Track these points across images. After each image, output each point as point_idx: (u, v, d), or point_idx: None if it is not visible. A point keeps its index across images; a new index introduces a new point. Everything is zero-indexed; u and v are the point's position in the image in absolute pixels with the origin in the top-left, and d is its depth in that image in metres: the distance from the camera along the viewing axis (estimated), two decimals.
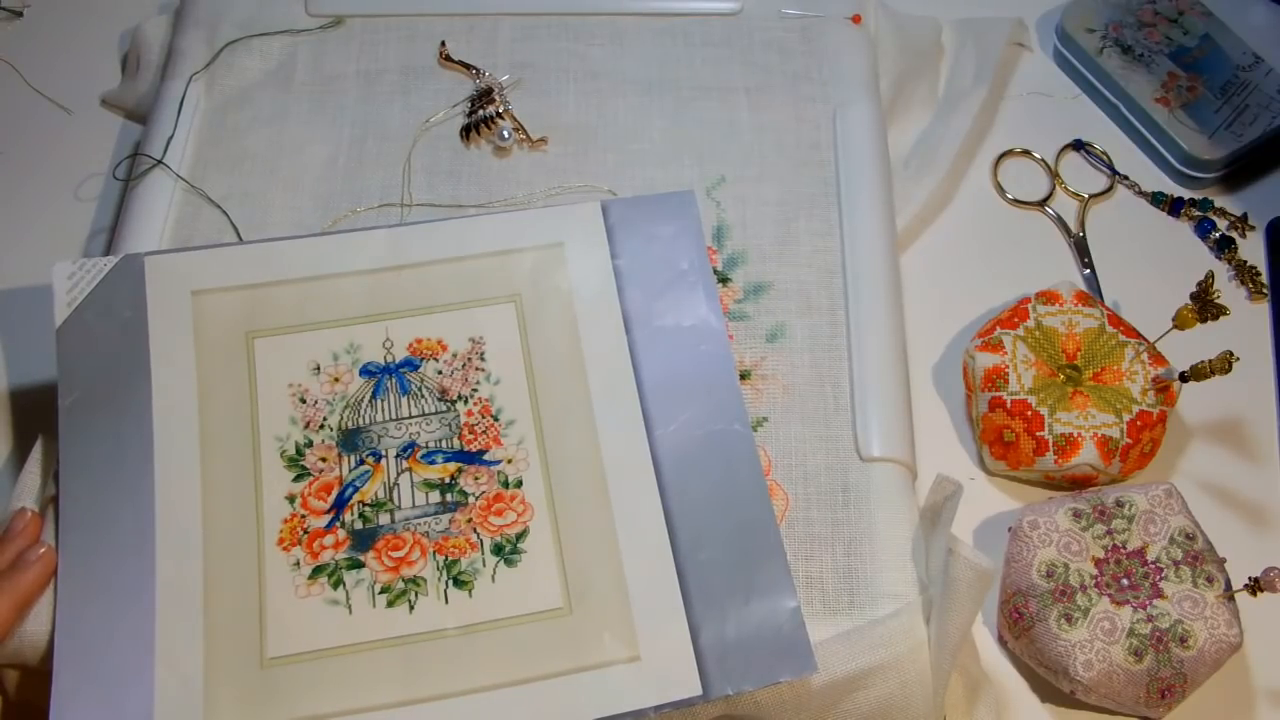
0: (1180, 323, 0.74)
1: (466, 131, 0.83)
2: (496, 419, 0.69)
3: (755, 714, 0.65)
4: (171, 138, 0.82)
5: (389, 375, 0.70)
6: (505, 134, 0.82)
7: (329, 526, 0.66)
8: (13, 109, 0.92)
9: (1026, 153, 0.91)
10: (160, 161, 0.81)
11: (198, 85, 0.85)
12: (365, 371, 0.70)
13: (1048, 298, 0.79)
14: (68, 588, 0.64)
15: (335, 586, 0.65)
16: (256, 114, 0.84)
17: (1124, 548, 0.70)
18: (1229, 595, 0.69)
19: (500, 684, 0.62)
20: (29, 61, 0.94)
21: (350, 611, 0.64)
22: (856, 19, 0.89)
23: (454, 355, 0.71)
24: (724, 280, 0.78)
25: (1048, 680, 0.70)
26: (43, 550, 0.64)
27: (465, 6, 0.89)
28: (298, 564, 0.65)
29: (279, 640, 0.63)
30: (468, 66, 0.86)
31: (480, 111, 0.83)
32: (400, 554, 0.66)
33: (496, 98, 0.84)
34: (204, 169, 0.81)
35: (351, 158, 0.83)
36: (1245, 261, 0.85)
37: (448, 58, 0.87)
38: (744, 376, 0.74)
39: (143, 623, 0.63)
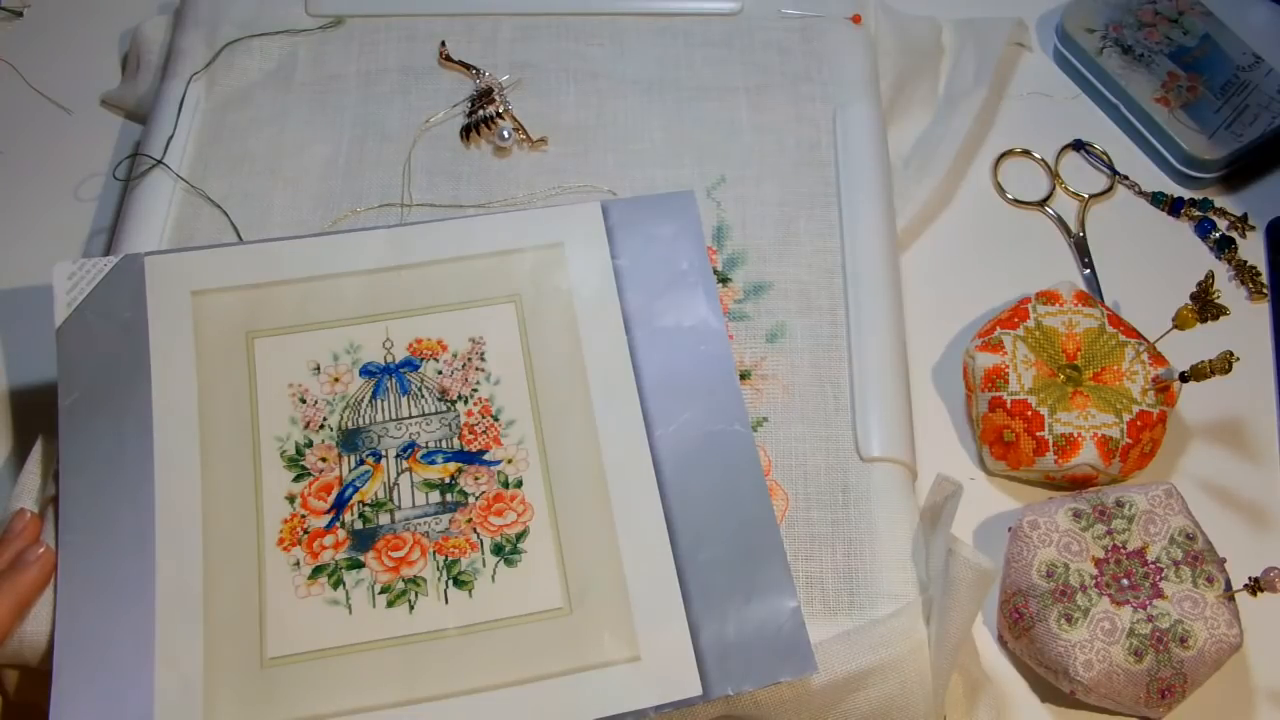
0: (1180, 323, 0.74)
1: (466, 131, 0.83)
2: (496, 419, 0.69)
3: (755, 714, 0.65)
4: (171, 138, 0.82)
5: (389, 375, 0.70)
6: (505, 134, 0.82)
7: (329, 526, 0.66)
8: (13, 109, 0.92)
9: (1026, 153, 0.91)
10: (160, 161, 0.81)
11: (198, 85, 0.85)
12: (365, 371, 0.70)
13: (1048, 298, 0.79)
14: (68, 588, 0.64)
15: (335, 586, 0.65)
16: (256, 114, 0.84)
17: (1124, 548, 0.70)
18: (1229, 595, 0.69)
19: (500, 684, 0.62)
20: (29, 61, 0.94)
21: (350, 611, 0.64)
22: (856, 19, 0.89)
23: (454, 355, 0.71)
24: (724, 280, 0.78)
25: (1048, 680, 0.70)
26: (41, 550, 0.64)
27: (465, 6, 0.89)
28: (298, 564, 0.65)
29: (279, 640, 0.63)
30: (468, 66, 0.86)
31: (480, 111, 0.83)
32: (400, 554, 0.66)
33: (496, 98, 0.84)
34: (204, 169, 0.81)
35: (351, 158, 0.83)
36: (1245, 261, 0.85)
37: (448, 58, 0.87)
38: (744, 376, 0.74)
39: (143, 623, 0.63)
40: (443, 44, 0.87)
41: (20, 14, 0.97)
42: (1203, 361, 0.73)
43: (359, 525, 0.66)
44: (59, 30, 0.96)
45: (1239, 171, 0.89)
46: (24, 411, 0.79)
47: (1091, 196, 0.89)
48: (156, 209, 0.79)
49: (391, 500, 0.67)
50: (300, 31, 0.88)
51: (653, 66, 0.87)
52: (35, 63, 0.94)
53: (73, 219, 0.86)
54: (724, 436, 0.69)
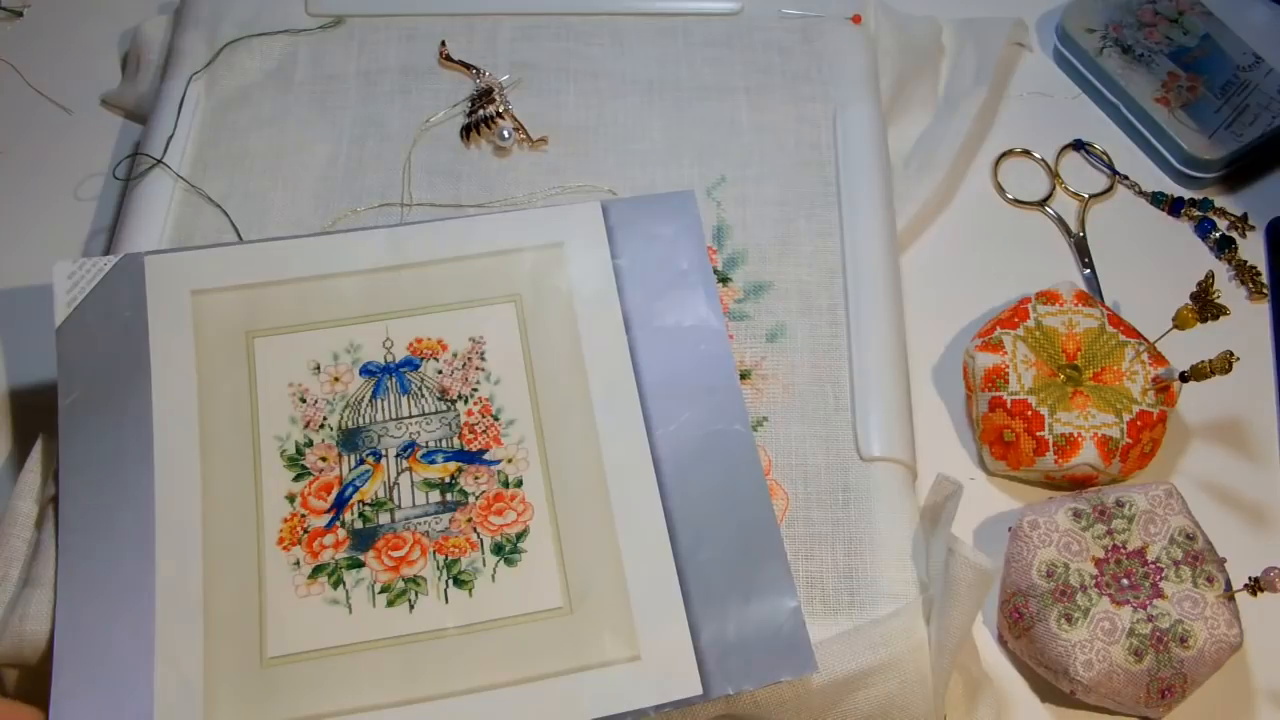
0: (1180, 323, 0.74)
1: (466, 131, 0.83)
2: (496, 418, 0.69)
3: (755, 714, 0.65)
4: (171, 137, 0.82)
5: (389, 375, 0.70)
6: (505, 134, 0.82)
7: (329, 526, 0.66)
8: (13, 109, 0.92)
9: (1026, 153, 0.91)
10: (160, 161, 0.81)
11: (198, 85, 0.85)
12: (365, 371, 0.70)
13: (1048, 298, 0.79)
14: (67, 588, 0.64)
15: (335, 586, 0.65)
16: (256, 114, 0.84)
17: (1124, 548, 0.70)
18: (1229, 595, 0.69)
19: (500, 683, 0.62)
20: (29, 61, 0.94)
21: (350, 611, 0.64)
22: (856, 19, 0.89)
23: (454, 355, 0.71)
24: (724, 280, 0.78)
25: (1048, 680, 0.70)
26: None
27: (465, 6, 0.89)
28: (297, 563, 0.65)
29: (279, 640, 0.63)
30: (468, 66, 0.86)
31: (480, 111, 0.83)
32: (400, 553, 0.66)
33: (496, 98, 0.84)
34: (204, 169, 0.81)
35: (351, 158, 0.83)
36: (1245, 261, 0.85)
37: (448, 58, 0.87)
38: (744, 376, 0.74)
39: (142, 622, 0.63)
40: (443, 44, 0.87)
41: (20, 14, 0.97)
42: (1203, 361, 0.73)
43: (359, 525, 0.66)
44: (59, 30, 0.96)
45: (1239, 171, 0.89)
46: (24, 411, 0.79)
47: (1091, 196, 0.89)
48: (156, 209, 0.79)
49: (391, 500, 0.67)
50: (300, 31, 0.88)
51: (653, 66, 0.87)
52: (35, 63, 0.94)
53: (73, 219, 0.86)
54: (724, 436, 0.69)
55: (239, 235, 0.78)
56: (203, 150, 0.82)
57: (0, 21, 0.96)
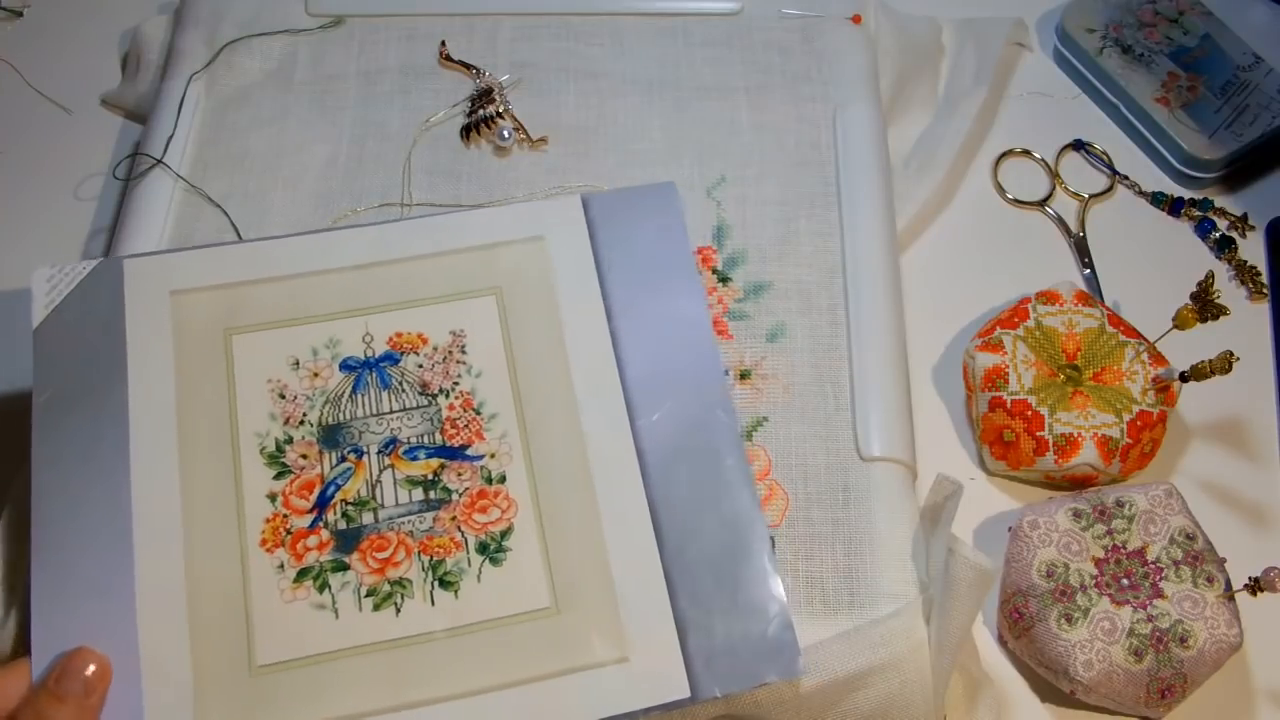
0: (1180, 323, 0.74)
1: (466, 131, 0.83)
2: (478, 412, 0.69)
3: (755, 713, 0.65)
4: (171, 137, 0.82)
5: (369, 370, 0.70)
6: (505, 134, 0.82)
7: (312, 526, 0.65)
8: (13, 109, 0.92)
9: (1026, 153, 0.91)
10: (160, 161, 0.81)
11: (198, 85, 0.85)
12: (345, 366, 0.70)
13: (1048, 298, 0.79)
14: (41, 591, 0.62)
15: (321, 590, 0.64)
16: (256, 114, 0.84)
17: (1124, 548, 0.70)
18: (1229, 595, 0.69)
19: (489, 687, 0.62)
20: (29, 61, 0.94)
21: (337, 616, 0.63)
22: (856, 19, 0.89)
23: (435, 349, 0.70)
24: (724, 280, 0.78)
25: (1048, 680, 0.70)
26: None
27: (465, 6, 0.89)
28: (282, 566, 0.64)
29: (267, 647, 0.62)
30: (468, 66, 0.86)
31: (480, 111, 0.83)
32: (385, 555, 0.65)
33: (496, 98, 0.84)
34: (204, 169, 0.82)
35: (351, 158, 0.83)
36: (1245, 261, 0.85)
37: (448, 58, 0.87)
38: (744, 376, 0.74)
39: (124, 631, 0.61)
40: (443, 44, 0.87)
41: (20, 14, 0.97)
42: (1203, 361, 0.73)
43: (342, 525, 0.66)
44: (59, 30, 0.96)
45: (1239, 171, 0.89)
46: (24, 412, 0.78)
47: (1091, 196, 0.88)
48: (156, 209, 0.80)
49: (374, 498, 0.67)
50: (300, 31, 0.88)
51: (653, 66, 0.87)
52: (35, 63, 0.94)
53: (73, 219, 0.86)
54: (707, 424, 0.68)
55: (239, 235, 0.79)
56: (203, 150, 0.83)
57: (0, 21, 0.97)
